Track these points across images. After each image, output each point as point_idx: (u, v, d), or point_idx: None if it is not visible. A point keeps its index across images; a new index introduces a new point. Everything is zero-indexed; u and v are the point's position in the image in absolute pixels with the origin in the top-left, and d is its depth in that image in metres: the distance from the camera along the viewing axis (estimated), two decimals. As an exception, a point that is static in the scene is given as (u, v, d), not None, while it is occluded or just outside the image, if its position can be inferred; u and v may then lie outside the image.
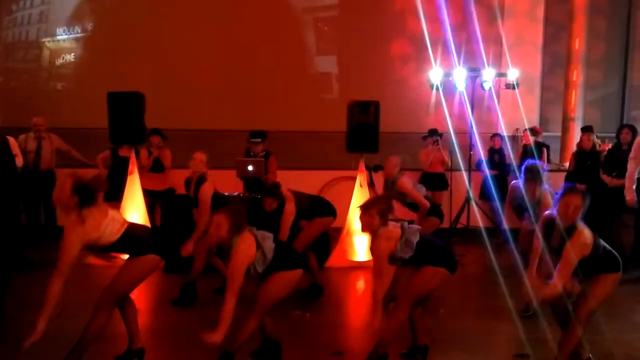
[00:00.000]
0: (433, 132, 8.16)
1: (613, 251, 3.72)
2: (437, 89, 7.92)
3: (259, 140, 6.70)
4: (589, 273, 3.66)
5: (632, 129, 6.77)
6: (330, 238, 6.72)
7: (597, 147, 7.26)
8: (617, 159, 6.58)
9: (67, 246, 3.31)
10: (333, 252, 6.71)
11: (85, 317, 3.66)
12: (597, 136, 7.51)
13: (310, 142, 6.34)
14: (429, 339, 4.08)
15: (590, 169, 6.75)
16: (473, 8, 9.16)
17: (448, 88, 7.96)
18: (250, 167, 6.62)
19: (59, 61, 9.00)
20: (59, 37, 9.24)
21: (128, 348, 3.82)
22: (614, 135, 6.97)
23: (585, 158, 7.03)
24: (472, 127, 7.80)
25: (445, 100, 9.11)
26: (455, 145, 7.84)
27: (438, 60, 9.08)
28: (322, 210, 5.47)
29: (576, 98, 8.40)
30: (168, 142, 7.24)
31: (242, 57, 8.96)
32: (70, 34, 9.14)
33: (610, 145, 7.35)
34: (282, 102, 8.81)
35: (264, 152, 6.77)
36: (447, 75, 8.13)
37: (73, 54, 8.98)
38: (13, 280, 5.36)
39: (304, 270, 3.92)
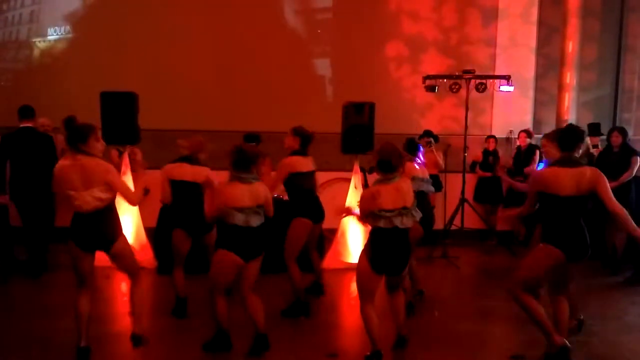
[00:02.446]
0: (427, 134, 8.16)
1: None
2: (432, 90, 7.92)
3: (253, 144, 6.68)
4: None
5: (622, 131, 6.78)
6: (325, 239, 6.71)
7: (590, 148, 7.25)
8: (608, 161, 6.55)
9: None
10: (327, 253, 6.69)
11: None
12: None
13: (305, 143, 6.35)
14: (409, 330, 4.13)
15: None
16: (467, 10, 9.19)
17: (442, 90, 7.96)
18: (244, 168, 6.57)
19: (50, 61, 8.92)
20: (50, 37, 9.17)
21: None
22: (605, 137, 7.00)
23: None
24: (466, 128, 7.82)
25: (440, 102, 9.14)
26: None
27: (432, 62, 9.10)
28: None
29: (569, 100, 8.42)
30: (160, 143, 7.17)
31: (237, 58, 8.93)
32: (62, 33, 9.08)
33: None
34: (276, 103, 8.78)
35: (258, 154, 6.74)
36: (442, 77, 8.12)
37: (65, 53, 8.90)
38: (2, 285, 5.32)
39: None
